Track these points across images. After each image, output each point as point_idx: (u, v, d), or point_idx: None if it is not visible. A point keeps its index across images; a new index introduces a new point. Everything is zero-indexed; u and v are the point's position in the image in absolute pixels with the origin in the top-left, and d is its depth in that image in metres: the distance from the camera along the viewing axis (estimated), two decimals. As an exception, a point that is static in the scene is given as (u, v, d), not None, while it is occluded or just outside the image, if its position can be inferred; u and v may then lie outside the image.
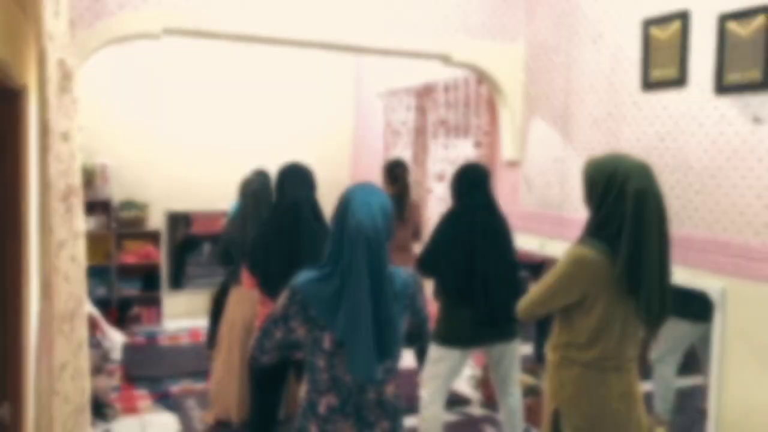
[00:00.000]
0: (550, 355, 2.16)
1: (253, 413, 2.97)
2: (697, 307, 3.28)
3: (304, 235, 2.81)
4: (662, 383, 3.50)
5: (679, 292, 3.46)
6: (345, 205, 1.73)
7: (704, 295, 3.09)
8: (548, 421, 2.16)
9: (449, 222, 3.38)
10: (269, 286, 2.85)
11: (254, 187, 3.99)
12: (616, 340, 2.03)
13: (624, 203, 1.97)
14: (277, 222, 2.85)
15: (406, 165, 4.56)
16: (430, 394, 3.34)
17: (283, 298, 1.76)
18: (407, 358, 3.39)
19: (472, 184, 3.38)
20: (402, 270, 1.82)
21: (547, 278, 2.11)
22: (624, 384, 2.06)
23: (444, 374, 3.41)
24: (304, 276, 1.75)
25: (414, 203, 4.62)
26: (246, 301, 3.74)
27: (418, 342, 1.96)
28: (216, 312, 4.92)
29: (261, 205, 3.87)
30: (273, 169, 6.71)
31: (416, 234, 4.63)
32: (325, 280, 1.70)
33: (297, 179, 2.90)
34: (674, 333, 3.46)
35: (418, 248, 4.85)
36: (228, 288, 4.65)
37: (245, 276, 2.98)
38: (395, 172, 4.44)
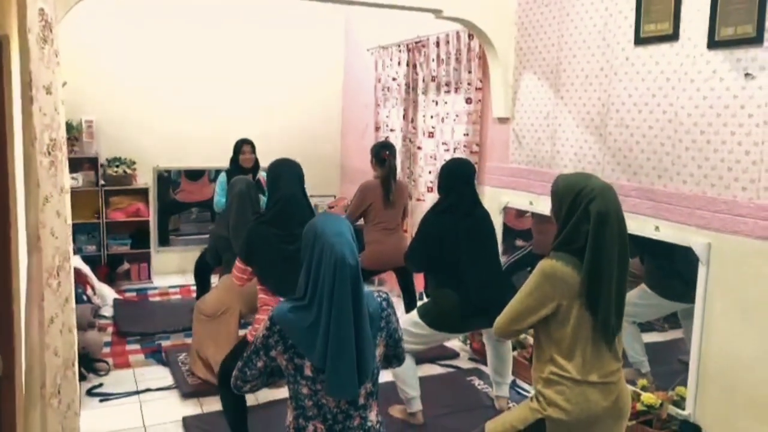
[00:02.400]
0: (537, 371, 2.23)
1: (227, 413, 3.09)
2: (677, 287, 3.37)
3: (299, 229, 2.85)
4: (631, 338, 3.58)
5: (660, 272, 3.55)
6: (317, 238, 1.77)
7: (685, 277, 3.17)
8: (522, 425, 2.21)
9: (436, 216, 3.42)
10: (267, 279, 2.90)
11: (240, 188, 4.16)
12: (593, 348, 2.12)
13: (587, 223, 2.06)
14: (272, 217, 2.91)
15: (394, 147, 4.56)
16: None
17: (262, 329, 1.83)
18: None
19: (459, 179, 3.42)
20: (374, 293, 1.89)
21: (520, 294, 2.19)
22: (611, 398, 2.14)
23: (423, 348, 3.49)
24: (282, 307, 1.81)
25: (402, 185, 4.63)
26: (233, 288, 3.77)
27: (395, 362, 2.03)
28: (198, 276, 5.05)
29: (246, 205, 4.05)
30: (260, 125, 6.64)
31: (404, 215, 4.66)
32: (303, 311, 1.76)
33: (289, 175, 2.97)
34: (650, 307, 3.55)
35: (406, 225, 4.89)
36: (208, 260, 4.82)
37: (237, 271, 2.99)
38: (382, 154, 4.42)
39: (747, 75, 2.87)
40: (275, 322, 1.78)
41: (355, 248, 1.77)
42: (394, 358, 1.99)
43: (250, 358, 1.86)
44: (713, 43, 3.01)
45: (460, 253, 3.29)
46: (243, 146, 5.26)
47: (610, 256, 2.05)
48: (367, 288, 1.84)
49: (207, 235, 5.31)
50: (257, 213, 3.93)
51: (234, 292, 3.81)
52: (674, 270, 3.47)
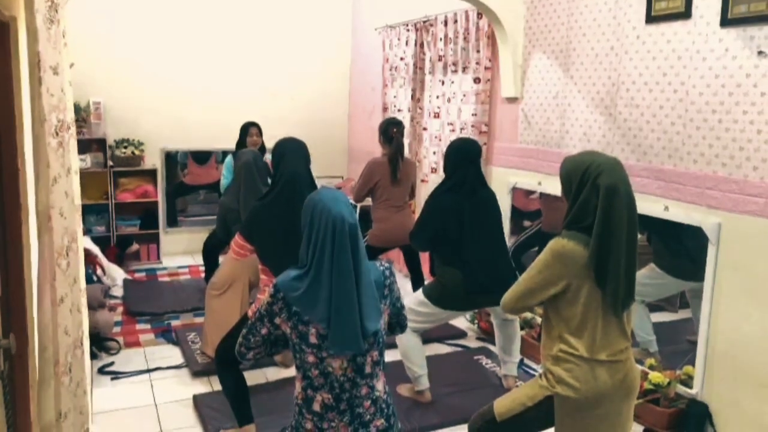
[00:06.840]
0: (545, 349, 2.25)
1: (228, 395, 3.11)
2: (686, 267, 3.35)
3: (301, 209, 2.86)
4: (639, 318, 3.59)
5: (670, 252, 3.53)
6: (315, 205, 1.79)
7: (695, 256, 3.16)
8: (531, 402, 2.23)
9: (440, 195, 3.42)
10: (268, 258, 2.90)
11: (247, 158, 4.12)
12: (602, 327, 2.13)
13: (596, 197, 2.07)
14: (276, 196, 2.89)
15: (402, 124, 4.52)
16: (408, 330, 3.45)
17: (266, 296, 1.84)
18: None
19: (465, 158, 3.41)
20: (376, 263, 1.90)
21: (530, 271, 2.20)
22: (620, 377, 2.16)
23: (430, 326, 3.51)
24: (285, 275, 1.82)
25: (410, 162, 4.60)
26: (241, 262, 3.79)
27: (399, 329, 2.06)
28: (207, 256, 5.08)
29: (254, 175, 4.01)
30: (267, 106, 6.62)
31: (412, 193, 4.65)
32: (306, 277, 1.77)
33: (294, 154, 2.95)
34: (659, 286, 3.54)
35: (413, 205, 4.88)
36: (217, 238, 4.84)
37: (236, 245, 2.99)
38: (390, 131, 4.39)
39: (760, 53, 2.83)
40: (279, 289, 1.79)
41: (352, 210, 1.79)
42: (397, 326, 2.03)
43: (254, 325, 1.87)
44: (726, 21, 2.97)
45: (464, 231, 3.30)
46: (250, 129, 5.25)
47: (619, 227, 2.05)
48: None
49: (214, 217, 5.32)
50: (266, 183, 3.91)
51: (241, 264, 3.82)
52: (684, 249, 3.46)
